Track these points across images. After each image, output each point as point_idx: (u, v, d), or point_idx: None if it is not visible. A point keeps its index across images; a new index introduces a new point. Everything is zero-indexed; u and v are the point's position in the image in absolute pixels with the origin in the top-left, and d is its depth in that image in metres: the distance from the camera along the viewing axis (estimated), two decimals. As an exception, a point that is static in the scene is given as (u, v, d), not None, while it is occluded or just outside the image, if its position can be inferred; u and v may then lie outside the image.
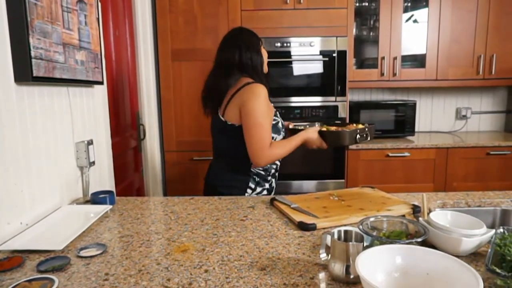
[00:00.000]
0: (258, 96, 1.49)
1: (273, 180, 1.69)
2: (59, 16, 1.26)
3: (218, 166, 1.67)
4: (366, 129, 1.62)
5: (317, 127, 1.65)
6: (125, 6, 2.27)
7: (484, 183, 2.66)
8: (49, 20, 1.20)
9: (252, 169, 1.60)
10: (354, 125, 1.72)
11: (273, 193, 1.70)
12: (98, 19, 1.57)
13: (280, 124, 1.62)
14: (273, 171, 1.66)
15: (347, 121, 2.64)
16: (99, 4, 1.62)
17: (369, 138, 1.63)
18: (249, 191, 1.60)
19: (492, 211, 1.33)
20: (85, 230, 1.10)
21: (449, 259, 0.71)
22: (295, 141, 1.56)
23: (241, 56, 1.55)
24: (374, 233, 0.93)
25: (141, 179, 2.54)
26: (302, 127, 1.71)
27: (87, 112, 1.56)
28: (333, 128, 1.65)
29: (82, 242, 1.03)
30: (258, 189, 1.62)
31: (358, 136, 1.57)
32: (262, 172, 1.62)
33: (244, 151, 1.52)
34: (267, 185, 1.64)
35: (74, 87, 1.46)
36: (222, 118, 1.57)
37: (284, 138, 1.63)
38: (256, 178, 1.61)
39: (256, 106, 1.47)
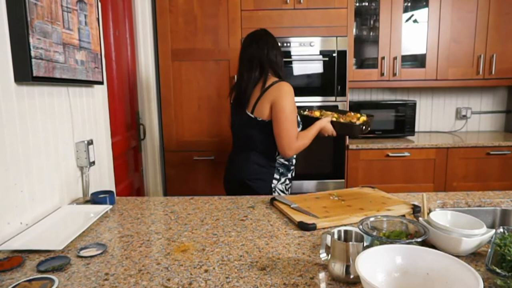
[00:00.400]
0: (289, 94, 1.64)
1: (293, 169, 1.81)
2: (59, 16, 1.26)
3: (243, 159, 1.74)
4: (369, 122, 1.78)
5: (329, 117, 1.80)
6: (125, 6, 2.27)
7: (484, 183, 2.66)
8: (49, 20, 1.20)
9: (277, 161, 1.72)
10: (353, 113, 1.87)
11: (292, 181, 1.83)
12: (98, 19, 1.57)
13: (298, 118, 1.75)
14: (294, 161, 1.79)
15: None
16: (99, 4, 1.62)
17: (369, 129, 1.81)
18: (274, 181, 1.72)
19: (492, 211, 1.33)
20: (85, 230, 1.10)
21: (449, 259, 0.71)
22: (313, 131, 1.73)
23: (268, 53, 1.68)
24: (374, 233, 0.93)
25: (141, 179, 2.54)
26: (306, 112, 1.92)
27: (87, 112, 1.56)
28: (341, 119, 1.82)
29: (82, 242, 1.03)
30: (282, 179, 1.74)
31: (363, 127, 1.75)
32: (286, 163, 1.75)
33: (271, 144, 1.67)
34: (289, 175, 1.78)
35: (74, 87, 1.46)
36: (252, 115, 1.67)
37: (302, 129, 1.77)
38: (280, 169, 1.74)
39: (287, 103, 1.62)
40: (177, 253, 0.95)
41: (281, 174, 1.74)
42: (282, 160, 1.73)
